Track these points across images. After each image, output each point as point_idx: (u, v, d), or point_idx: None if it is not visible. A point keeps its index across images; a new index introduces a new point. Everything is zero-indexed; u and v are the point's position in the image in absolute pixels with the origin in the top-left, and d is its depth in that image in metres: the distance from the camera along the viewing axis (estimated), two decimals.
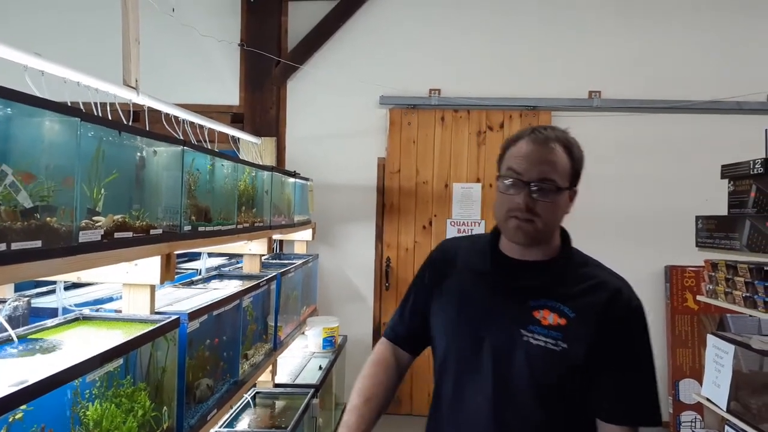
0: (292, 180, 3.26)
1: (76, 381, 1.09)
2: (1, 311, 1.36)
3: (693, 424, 3.99)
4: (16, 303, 1.43)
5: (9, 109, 0.95)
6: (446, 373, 1.29)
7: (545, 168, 1.18)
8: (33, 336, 1.35)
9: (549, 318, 1.18)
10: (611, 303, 1.19)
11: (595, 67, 4.37)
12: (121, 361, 1.25)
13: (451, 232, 4.36)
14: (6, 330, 1.26)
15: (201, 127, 2.90)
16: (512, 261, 1.27)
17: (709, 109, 4.26)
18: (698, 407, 3.94)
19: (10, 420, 0.93)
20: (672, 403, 4.12)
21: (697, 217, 2.87)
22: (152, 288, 1.59)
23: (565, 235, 1.31)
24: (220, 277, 2.57)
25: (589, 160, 1.24)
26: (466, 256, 1.35)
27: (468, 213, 4.37)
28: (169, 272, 1.58)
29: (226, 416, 2.47)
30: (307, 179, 3.68)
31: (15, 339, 1.27)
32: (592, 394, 1.19)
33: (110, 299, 1.98)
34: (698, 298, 3.02)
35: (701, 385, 2.93)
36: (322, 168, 4.40)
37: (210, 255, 3.20)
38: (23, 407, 0.95)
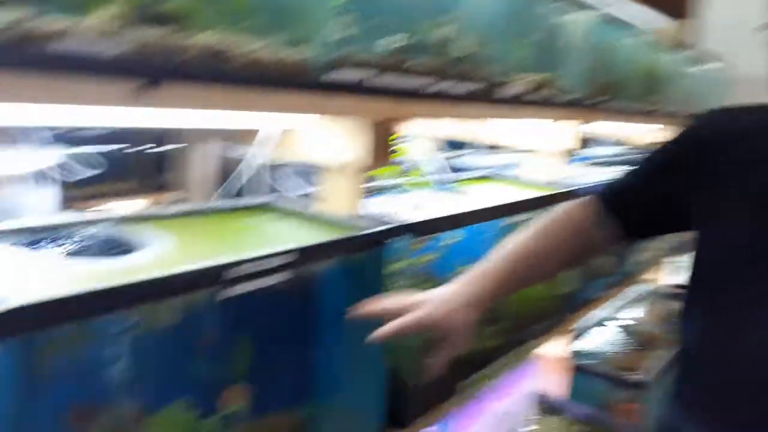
0: (711, 67, 2.83)
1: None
2: (427, 163, 1.60)
3: None
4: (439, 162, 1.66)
5: None
6: (719, 313, 0.83)
7: None
8: (451, 185, 1.55)
9: None
10: None
11: None
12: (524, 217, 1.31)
13: None
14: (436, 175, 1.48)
15: None
16: None
17: None
18: None
19: (441, 244, 1.08)
20: None
21: None
22: (561, 156, 1.61)
23: None
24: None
25: None
26: (760, 141, 0.84)
27: None
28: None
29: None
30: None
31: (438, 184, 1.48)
32: None
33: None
34: None
35: None
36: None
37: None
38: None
